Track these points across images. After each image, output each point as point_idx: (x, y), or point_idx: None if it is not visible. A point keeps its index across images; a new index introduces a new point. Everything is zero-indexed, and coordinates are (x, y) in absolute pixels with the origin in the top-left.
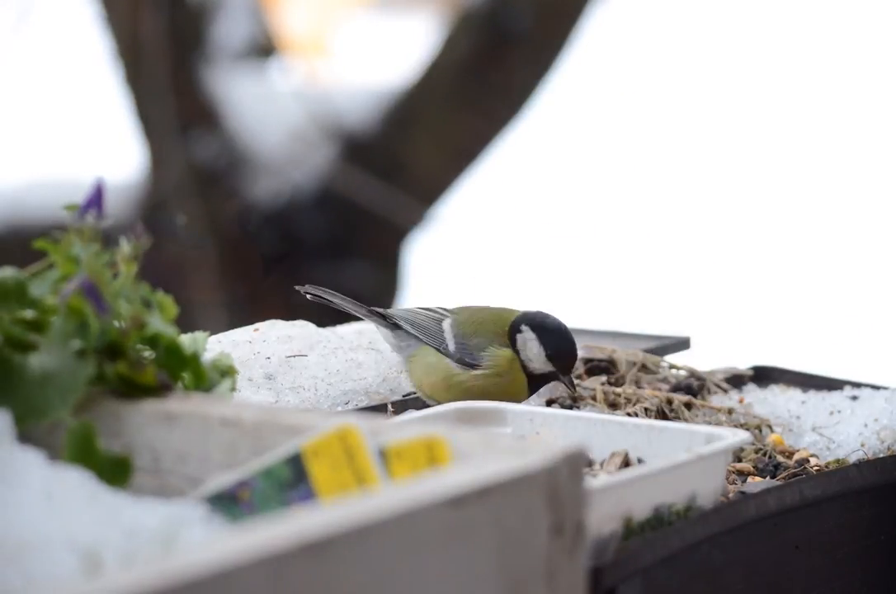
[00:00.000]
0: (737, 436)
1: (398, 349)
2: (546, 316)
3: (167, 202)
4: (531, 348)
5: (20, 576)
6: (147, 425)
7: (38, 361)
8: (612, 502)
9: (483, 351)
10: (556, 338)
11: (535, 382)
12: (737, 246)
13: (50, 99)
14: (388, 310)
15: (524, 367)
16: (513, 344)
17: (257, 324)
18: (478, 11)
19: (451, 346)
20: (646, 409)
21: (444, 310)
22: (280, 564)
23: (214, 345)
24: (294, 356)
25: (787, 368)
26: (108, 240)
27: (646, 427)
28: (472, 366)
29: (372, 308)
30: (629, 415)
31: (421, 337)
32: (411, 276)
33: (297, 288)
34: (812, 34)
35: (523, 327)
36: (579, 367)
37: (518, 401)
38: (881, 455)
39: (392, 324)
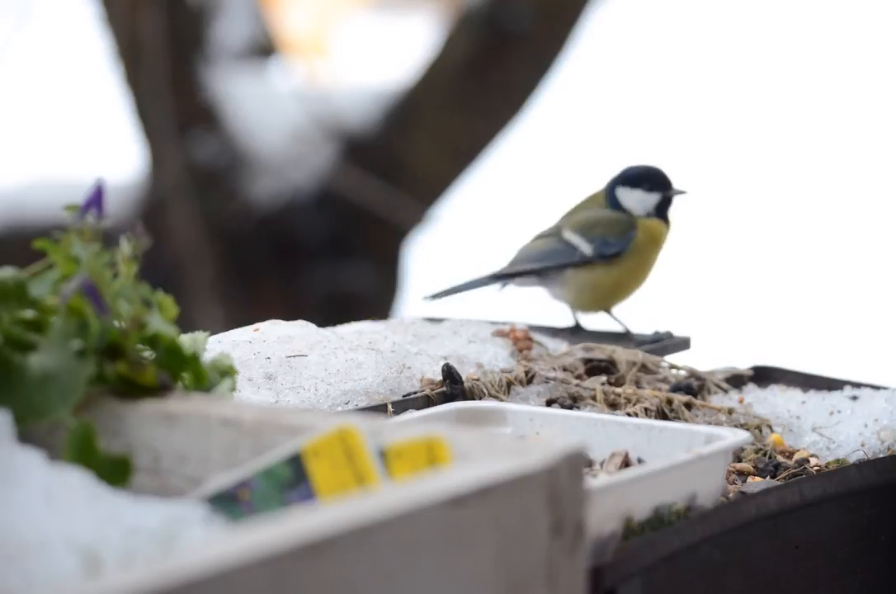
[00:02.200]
0: (737, 436)
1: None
2: (628, 168)
3: (166, 202)
4: (632, 197)
5: (20, 576)
6: (147, 425)
7: (38, 361)
8: (612, 502)
9: (613, 234)
10: (639, 175)
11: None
12: (737, 246)
13: (50, 99)
14: (500, 270)
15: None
16: (618, 208)
17: (257, 325)
18: (478, 11)
19: (586, 250)
20: (646, 409)
21: (549, 228)
22: (280, 564)
23: (214, 345)
24: (294, 356)
25: (787, 368)
26: (108, 240)
27: (646, 427)
28: (617, 255)
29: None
30: (629, 415)
31: (545, 265)
32: (411, 276)
33: (424, 299)
34: (812, 34)
35: (619, 189)
36: (579, 367)
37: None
38: (881, 455)
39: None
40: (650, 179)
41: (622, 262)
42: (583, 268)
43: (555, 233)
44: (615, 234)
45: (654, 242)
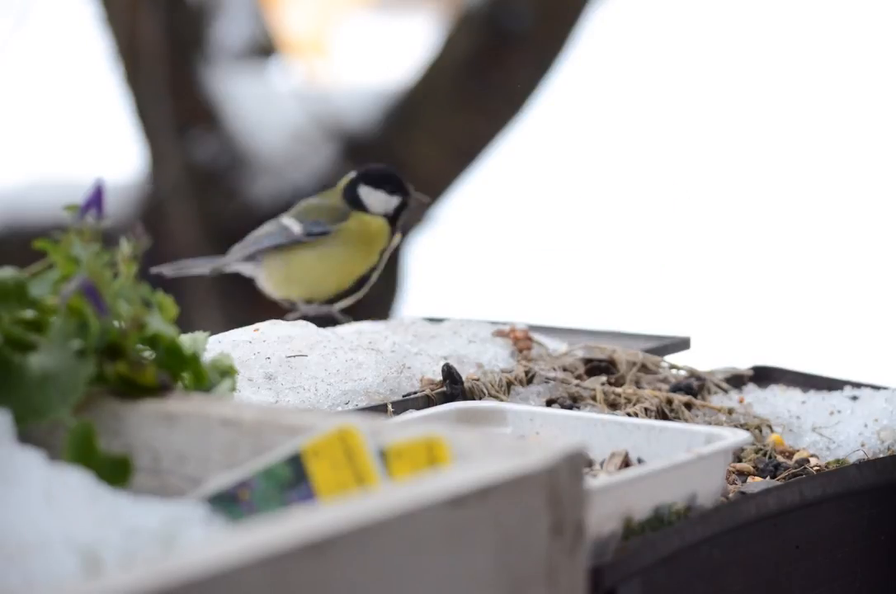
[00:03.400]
0: (737, 436)
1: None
2: (371, 167)
3: (166, 202)
4: (374, 197)
5: (20, 576)
6: (147, 425)
7: (38, 361)
8: (612, 502)
9: (326, 218)
10: (383, 176)
11: (393, 224)
12: (737, 246)
13: (50, 99)
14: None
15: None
16: (357, 206)
17: (257, 325)
18: (478, 11)
19: (297, 229)
20: (646, 409)
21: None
22: (280, 564)
23: (214, 345)
24: (294, 356)
25: (787, 368)
26: (108, 240)
27: (646, 427)
28: (323, 234)
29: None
30: (629, 415)
31: (269, 244)
32: (411, 276)
33: (154, 271)
34: (812, 34)
35: (360, 187)
36: (579, 367)
37: (380, 248)
38: (881, 455)
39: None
40: (393, 182)
41: (324, 243)
42: (287, 248)
43: (275, 219)
44: (328, 218)
45: (365, 237)
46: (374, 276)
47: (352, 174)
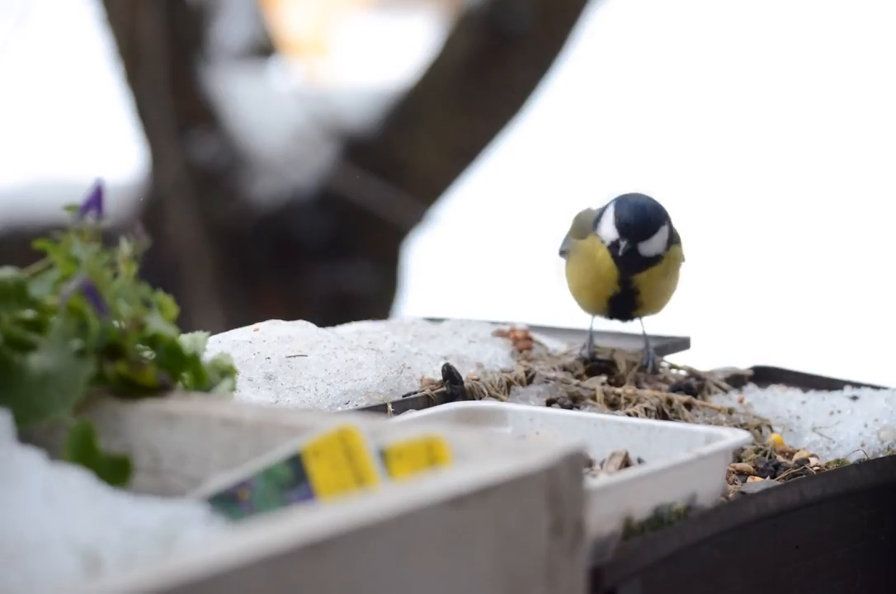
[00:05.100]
0: (737, 436)
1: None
2: (632, 194)
3: (166, 202)
4: (607, 219)
5: (20, 576)
6: (147, 425)
7: (38, 361)
8: (612, 502)
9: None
10: (628, 207)
11: (622, 265)
12: (736, 246)
13: (50, 99)
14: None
15: (612, 252)
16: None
17: (257, 325)
18: (478, 11)
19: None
20: (646, 409)
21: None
22: (280, 564)
23: (214, 345)
24: (294, 356)
25: (787, 368)
26: (108, 240)
27: (646, 427)
28: (562, 253)
29: None
30: (629, 415)
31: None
32: (411, 276)
33: None
34: (812, 34)
35: (609, 204)
36: (579, 367)
37: (606, 284)
38: (881, 455)
39: None
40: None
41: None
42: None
43: None
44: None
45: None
46: None
47: None
